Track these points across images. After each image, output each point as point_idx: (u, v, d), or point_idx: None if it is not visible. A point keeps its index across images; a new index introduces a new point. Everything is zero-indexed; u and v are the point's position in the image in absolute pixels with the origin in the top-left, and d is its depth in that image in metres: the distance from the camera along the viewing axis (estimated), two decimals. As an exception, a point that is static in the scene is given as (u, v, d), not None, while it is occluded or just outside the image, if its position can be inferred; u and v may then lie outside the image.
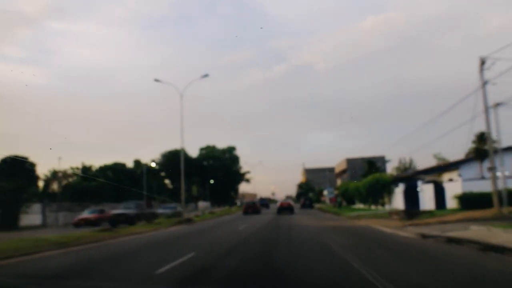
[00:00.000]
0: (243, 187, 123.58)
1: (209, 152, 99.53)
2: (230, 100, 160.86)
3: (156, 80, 34.19)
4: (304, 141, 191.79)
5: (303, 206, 58.34)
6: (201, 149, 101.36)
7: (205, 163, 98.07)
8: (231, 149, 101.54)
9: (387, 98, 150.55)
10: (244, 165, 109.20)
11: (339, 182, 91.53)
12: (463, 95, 27.94)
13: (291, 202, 44.95)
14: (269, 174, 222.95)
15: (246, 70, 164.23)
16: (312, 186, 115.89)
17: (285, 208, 40.73)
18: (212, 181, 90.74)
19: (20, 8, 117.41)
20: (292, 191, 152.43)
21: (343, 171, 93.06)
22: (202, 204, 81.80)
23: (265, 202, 70.20)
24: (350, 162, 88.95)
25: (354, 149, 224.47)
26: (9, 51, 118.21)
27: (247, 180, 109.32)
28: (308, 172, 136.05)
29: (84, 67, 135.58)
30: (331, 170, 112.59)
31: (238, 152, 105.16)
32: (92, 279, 7.95)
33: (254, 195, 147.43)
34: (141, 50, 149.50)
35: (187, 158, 77.46)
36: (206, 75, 34.29)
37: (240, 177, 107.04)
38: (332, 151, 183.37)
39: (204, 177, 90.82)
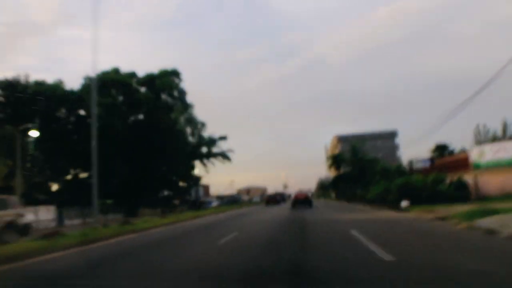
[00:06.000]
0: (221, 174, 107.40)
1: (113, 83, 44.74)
2: (244, 96, 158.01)
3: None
4: (320, 136, 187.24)
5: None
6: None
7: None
8: (168, 81, 48.20)
9: (403, 90, 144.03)
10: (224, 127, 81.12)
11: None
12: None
13: (309, 194, 37.55)
14: (283, 169, 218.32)
15: (259, 66, 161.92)
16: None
17: (301, 202, 32.95)
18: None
19: (31, 18, 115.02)
20: (310, 185, 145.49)
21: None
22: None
23: (284, 197, 69.28)
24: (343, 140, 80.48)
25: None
26: (21, 61, 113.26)
27: (224, 156, 62.08)
28: (344, 140, 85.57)
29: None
30: (390, 134, 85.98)
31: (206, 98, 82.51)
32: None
33: (264, 189, 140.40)
34: (151, 53, 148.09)
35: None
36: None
37: (198, 147, 59.62)
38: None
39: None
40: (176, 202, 59.19)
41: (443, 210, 15.68)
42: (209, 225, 16.99)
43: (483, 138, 37.57)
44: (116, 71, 45.86)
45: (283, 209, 28.95)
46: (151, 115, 46.12)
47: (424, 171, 23.91)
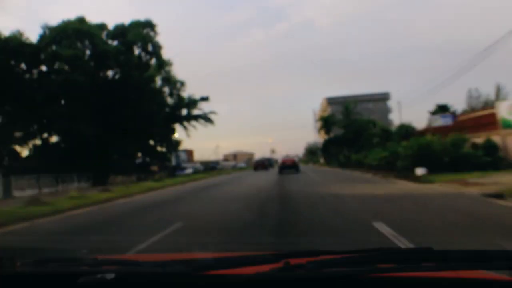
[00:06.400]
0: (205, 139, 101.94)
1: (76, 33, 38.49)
2: (230, 57, 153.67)
3: None
4: (307, 99, 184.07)
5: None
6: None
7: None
8: (141, 34, 43.24)
9: (391, 53, 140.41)
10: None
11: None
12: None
13: (296, 160, 37.88)
14: (271, 134, 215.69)
15: (246, 30, 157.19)
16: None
17: (288, 167, 33.29)
18: None
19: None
20: (298, 150, 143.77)
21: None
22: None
23: (271, 162, 67.78)
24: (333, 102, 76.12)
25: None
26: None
27: (207, 119, 57.17)
28: (333, 102, 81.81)
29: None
30: (382, 96, 78.54)
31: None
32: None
33: (251, 155, 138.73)
34: (137, 10, 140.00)
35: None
36: None
37: (178, 109, 55.26)
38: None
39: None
40: (155, 168, 54.73)
41: (479, 180, 11.72)
42: (157, 204, 12.61)
43: (475, 102, 38.51)
44: (81, 20, 40.05)
45: (268, 179, 22.09)
46: (123, 71, 40.94)
47: (441, 131, 19.76)
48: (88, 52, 39.41)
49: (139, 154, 52.42)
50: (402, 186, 13.11)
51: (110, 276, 1.29)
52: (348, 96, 68.68)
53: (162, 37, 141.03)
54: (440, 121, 27.65)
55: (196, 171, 53.52)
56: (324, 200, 10.09)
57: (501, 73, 71.49)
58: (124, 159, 47.69)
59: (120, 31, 42.57)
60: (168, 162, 60.29)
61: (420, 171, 15.57)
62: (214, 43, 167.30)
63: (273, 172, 39.32)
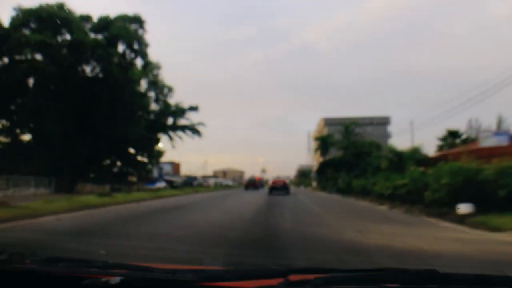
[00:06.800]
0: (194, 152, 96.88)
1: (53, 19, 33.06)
2: (228, 74, 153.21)
3: None
4: (302, 122, 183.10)
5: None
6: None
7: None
8: (126, 29, 37.82)
9: (388, 81, 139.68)
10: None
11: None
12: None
13: (286, 181, 37.80)
14: (262, 153, 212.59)
15: (247, 49, 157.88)
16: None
17: (278, 188, 33.13)
18: None
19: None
20: (289, 171, 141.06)
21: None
22: None
23: (262, 183, 64.07)
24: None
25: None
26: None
27: (194, 131, 52.35)
28: (331, 123, 77.06)
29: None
30: (382, 120, 69.56)
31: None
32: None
33: (242, 173, 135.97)
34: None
35: None
36: None
37: (164, 116, 50.09)
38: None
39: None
40: (133, 179, 49.64)
41: None
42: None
43: (475, 132, 37.41)
44: (60, 6, 35.57)
45: (252, 204, 16.92)
46: (102, 67, 36.38)
47: (478, 154, 15.32)
48: (64, 42, 34.87)
49: (119, 163, 47.54)
50: (454, 233, 8.60)
51: (115, 280, 1.26)
52: (346, 118, 64.49)
53: (159, 49, 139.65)
54: (493, 139, 23.02)
55: (173, 186, 47.68)
56: (343, 261, 5.45)
57: (503, 104, 68.92)
58: (97, 166, 42.72)
59: (104, 24, 38.14)
60: (149, 173, 55.41)
61: (464, 208, 11.11)
62: (212, 59, 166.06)
63: (261, 193, 34.66)
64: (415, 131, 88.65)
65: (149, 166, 52.56)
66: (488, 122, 49.76)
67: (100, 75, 37.20)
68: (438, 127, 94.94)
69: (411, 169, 17.08)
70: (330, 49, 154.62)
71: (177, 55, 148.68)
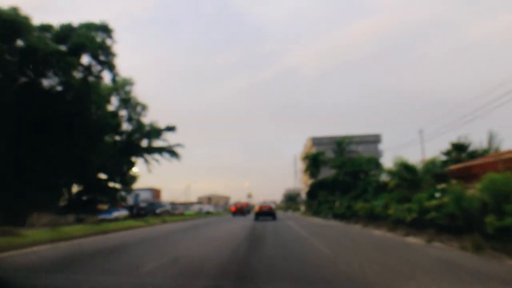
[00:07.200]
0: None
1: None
2: (213, 103, 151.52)
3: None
4: (287, 146, 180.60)
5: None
6: None
7: None
8: (90, 37, 32.71)
9: (373, 104, 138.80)
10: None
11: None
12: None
13: (273, 206, 35.30)
14: (248, 178, 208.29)
15: (231, 74, 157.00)
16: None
17: (264, 213, 31.97)
18: None
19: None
20: (277, 195, 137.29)
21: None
22: None
23: (249, 208, 62.98)
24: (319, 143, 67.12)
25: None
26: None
27: (171, 153, 48.28)
28: (319, 143, 74.50)
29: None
30: (373, 138, 66.00)
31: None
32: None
33: (227, 198, 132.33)
34: (123, 51, 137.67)
35: None
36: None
37: (138, 138, 45.53)
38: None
39: None
40: (103, 207, 44.11)
41: None
42: None
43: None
44: (14, 10, 30.91)
45: (227, 243, 11.56)
46: (61, 79, 31.64)
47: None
48: (13, 48, 30.18)
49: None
50: None
51: None
52: (335, 137, 59.95)
53: (142, 76, 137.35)
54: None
55: (140, 213, 41.64)
56: None
57: (494, 122, 66.89)
58: (56, 194, 37.31)
59: (67, 32, 33.67)
60: (122, 201, 50.01)
61: None
62: (196, 86, 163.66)
63: (246, 220, 29.92)
64: (402, 148, 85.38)
65: (122, 193, 47.33)
66: (478, 139, 48.23)
67: (59, 88, 32.49)
68: (428, 145, 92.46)
69: (448, 185, 12.70)
70: (314, 72, 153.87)
71: (160, 83, 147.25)
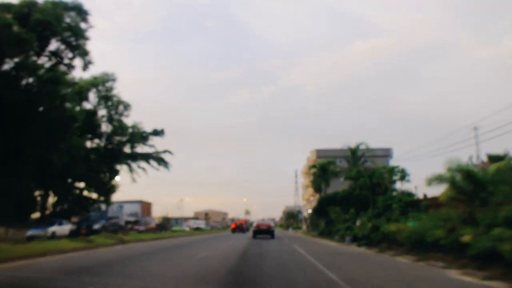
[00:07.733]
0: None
1: None
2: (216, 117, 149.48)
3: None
4: (288, 162, 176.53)
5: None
6: None
7: None
8: (57, 15, 27.52)
9: (376, 124, 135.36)
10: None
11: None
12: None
13: (271, 224, 34.37)
14: (246, 194, 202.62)
15: (233, 90, 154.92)
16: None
17: (263, 231, 31.02)
18: None
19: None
20: (276, 213, 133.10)
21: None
22: None
23: (247, 226, 59.98)
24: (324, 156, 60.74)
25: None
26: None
27: (158, 160, 43.24)
28: (324, 155, 62.00)
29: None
30: (383, 153, 56.58)
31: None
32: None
33: (225, 214, 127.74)
34: (126, 65, 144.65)
35: None
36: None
37: (121, 143, 39.53)
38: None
39: None
40: (75, 220, 37.31)
41: None
42: None
43: None
44: None
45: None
46: (17, 65, 25.91)
47: None
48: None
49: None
50: None
51: None
52: (342, 150, 53.17)
53: (143, 92, 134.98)
54: None
55: (92, 230, 31.93)
56: None
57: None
58: (21, 206, 30.85)
59: (28, 10, 28.06)
60: (104, 213, 43.67)
61: None
62: (197, 101, 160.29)
63: (242, 241, 24.00)
64: (411, 160, 79.11)
65: (100, 205, 41.08)
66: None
67: (21, 79, 26.73)
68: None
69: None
70: (315, 90, 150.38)
71: (162, 99, 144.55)
